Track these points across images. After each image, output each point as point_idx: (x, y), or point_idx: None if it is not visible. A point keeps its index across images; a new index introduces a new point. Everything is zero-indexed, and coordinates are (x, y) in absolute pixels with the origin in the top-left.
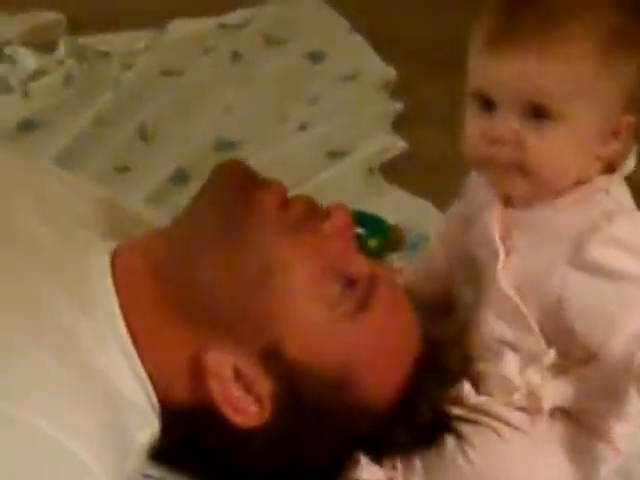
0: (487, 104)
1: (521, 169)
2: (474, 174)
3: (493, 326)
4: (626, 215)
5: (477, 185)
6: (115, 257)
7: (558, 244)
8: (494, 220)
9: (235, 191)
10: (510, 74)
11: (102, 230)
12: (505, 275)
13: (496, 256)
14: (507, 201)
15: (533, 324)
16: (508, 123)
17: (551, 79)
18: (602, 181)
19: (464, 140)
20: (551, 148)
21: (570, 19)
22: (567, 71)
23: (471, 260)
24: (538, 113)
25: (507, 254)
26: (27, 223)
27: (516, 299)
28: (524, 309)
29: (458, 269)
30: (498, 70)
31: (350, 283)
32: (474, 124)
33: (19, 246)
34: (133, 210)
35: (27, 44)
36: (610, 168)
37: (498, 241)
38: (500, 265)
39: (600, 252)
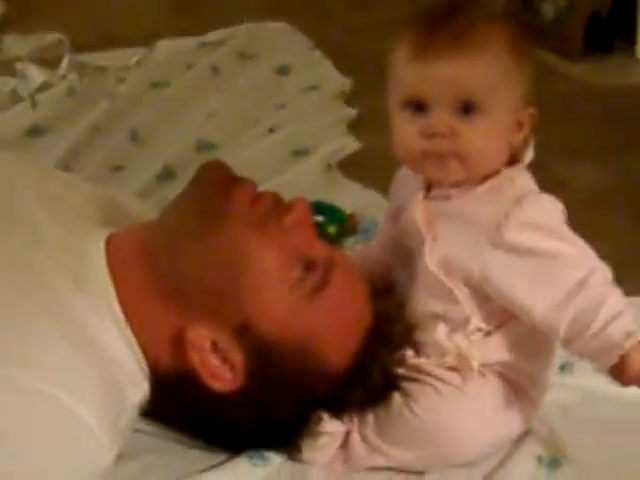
0: (418, 107)
1: (458, 156)
2: (400, 172)
3: (425, 302)
4: (532, 199)
5: (402, 182)
6: (109, 243)
7: (477, 229)
8: (418, 212)
9: (214, 188)
10: (440, 78)
11: (98, 220)
12: (432, 259)
13: (423, 243)
14: (427, 194)
15: (459, 297)
16: (443, 119)
17: (475, 78)
18: (508, 172)
19: (400, 141)
20: (480, 136)
21: (482, 30)
22: (487, 71)
23: (402, 247)
24: (466, 108)
25: (433, 240)
26: (33, 214)
27: (442, 278)
28: (450, 285)
29: (392, 256)
30: (430, 76)
31: (310, 266)
32: (410, 125)
33: (26, 235)
34: (126, 203)
35: (35, 61)
36: (512, 160)
37: (423, 230)
38: (427, 251)
39: (514, 234)
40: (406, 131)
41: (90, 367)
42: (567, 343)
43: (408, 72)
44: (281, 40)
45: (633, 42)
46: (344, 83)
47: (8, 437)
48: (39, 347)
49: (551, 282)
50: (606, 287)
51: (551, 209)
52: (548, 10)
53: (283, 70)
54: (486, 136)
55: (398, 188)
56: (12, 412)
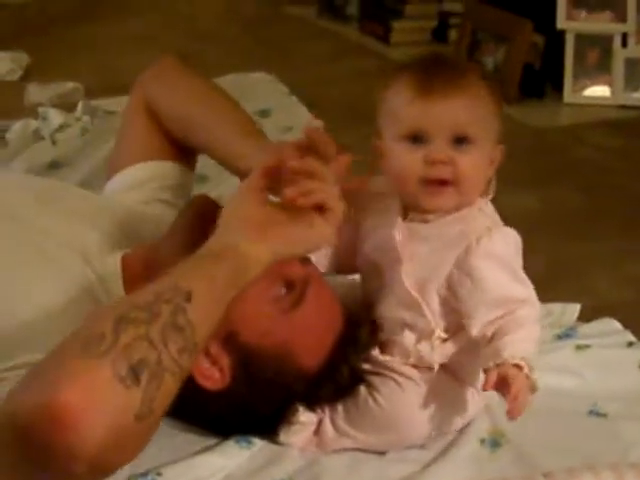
0: (416, 139)
1: (454, 182)
2: (370, 192)
3: (395, 310)
4: (501, 233)
5: (369, 199)
6: (124, 261)
7: (448, 250)
8: (397, 232)
9: (202, 221)
10: (441, 115)
11: (116, 239)
12: (406, 276)
13: (399, 261)
14: (405, 217)
15: (426, 312)
16: (444, 149)
17: (468, 115)
18: (478, 202)
19: (400, 168)
20: (472, 163)
21: (468, 76)
22: (477, 109)
23: (373, 261)
24: (461, 140)
25: (408, 260)
26: (63, 233)
27: (415, 294)
28: (420, 301)
29: (362, 267)
30: (432, 113)
31: (290, 285)
32: (411, 154)
33: (56, 251)
34: (135, 222)
35: (54, 106)
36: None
37: (401, 250)
38: (404, 270)
39: (477, 261)
40: (407, 159)
41: None
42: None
43: (411, 109)
44: (262, 87)
45: (561, 89)
46: (317, 124)
47: None
48: None
49: (489, 311)
50: (533, 328)
51: (513, 243)
52: (489, 63)
53: (264, 113)
54: (476, 164)
55: (370, 207)
56: None
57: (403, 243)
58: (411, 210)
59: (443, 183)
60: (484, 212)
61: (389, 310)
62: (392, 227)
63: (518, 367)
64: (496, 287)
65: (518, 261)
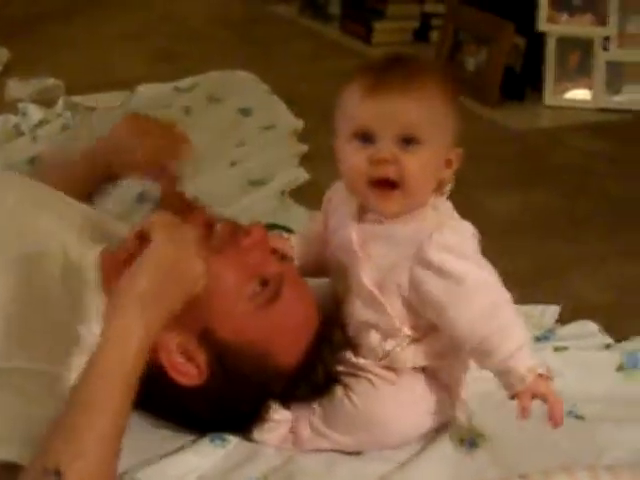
0: (365, 139)
1: (400, 183)
2: (331, 192)
3: (360, 311)
4: (452, 227)
5: (334, 201)
6: (102, 256)
7: (404, 249)
8: (353, 234)
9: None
10: (389, 113)
11: (93, 236)
12: (366, 276)
13: (357, 262)
14: (361, 219)
15: (389, 310)
16: (389, 148)
17: (415, 116)
18: (432, 201)
19: (348, 168)
20: (418, 163)
21: (421, 77)
22: (425, 111)
23: (337, 262)
24: (408, 140)
25: (367, 260)
26: (44, 229)
27: (376, 293)
28: (382, 300)
29: (329, 268)
30: (378, 112)
31: (264, 282)
32: (358, 153)
33: (36, 245)
34: (112, 222)
35: (35, 101)
36: (437, 190)
37: (358, 250)
38: (362, 269)
39: (433, 255)
40: (354, 159)
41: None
42: (477, 360)
43: (360, 108)
44: (244, 86)
45: (542, 92)
46: (297, 123)
47: None
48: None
49: (466, 302)
50: (513, 315)
51: (465, 235)
52: (470, 64)
53: (245, 112)
54: (423, 165)
55: (334, 208)
56: None
57: (360, 244)
58: (367, 210)
59: (390, 186)
60: (439, 210)
61: (354, 311)
62: (349, 228)
63: (540, 376)
64: (459, 280)
65: (475, 250)
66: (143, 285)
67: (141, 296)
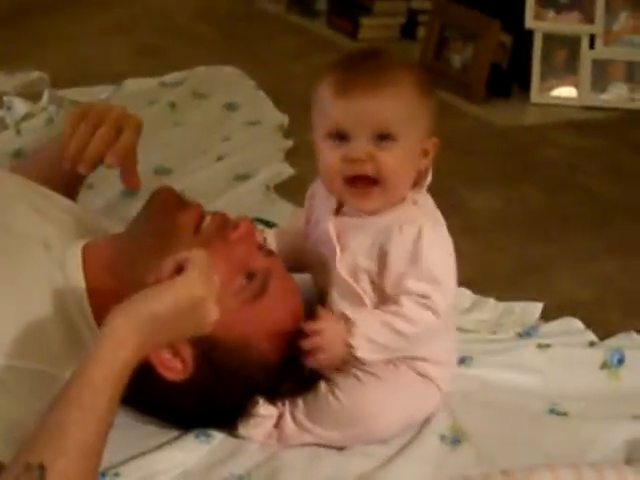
0: (340, 138)
1: (377, 179)
2: (314, 187)
3: (337, 303)
4: (430, 224)
5: (316, 196)
6: (85, 251)
7: (376, 238)
8: (331, 226)
9: (164, 212)
10: (361, 112)
11: (75, 231)
12: (342, 266)
13: (334, 253)
14: (338, 212)
15: (365, 300)
16: (363, 147)
17: (388, 113)
18: (411, 194)
19: (324, 167)
20: (394, 159)
21: (393, 73)
22: (398, 107)
23: (317, 255)
24: (383, 137)
25: (342, 251)
26: (24, 225)
27: (352, 283)
28: (359, 290)
29: (310, 262)
30: (351, 111)
31: (251, 276)
32: (333, 153)
33: (17, 241)
34: (96, 218)
35: (20, 95)
36: (414, 184)
37: (335, 242)
38: (338, 260)
39: (399, 246)
40: (330, 158)
41: None
42: None
43: (333, 108)
44: (229, 81)
45: (528, 89)
46: (282, 119)
47: None
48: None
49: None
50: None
51: (441, 244)
52: (456, 61)
53: (231, 107)
54: (399, 160)
55: (314, 203)
56: None
57: (338, 235)
58: (345, 204)
59: (368, 183)
60: (419, 205)
61: (332, 303)
62: (327, 221)
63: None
64: (419, 268)
65: (449, 251)
66: (157, 309)
67: (150, 317)
